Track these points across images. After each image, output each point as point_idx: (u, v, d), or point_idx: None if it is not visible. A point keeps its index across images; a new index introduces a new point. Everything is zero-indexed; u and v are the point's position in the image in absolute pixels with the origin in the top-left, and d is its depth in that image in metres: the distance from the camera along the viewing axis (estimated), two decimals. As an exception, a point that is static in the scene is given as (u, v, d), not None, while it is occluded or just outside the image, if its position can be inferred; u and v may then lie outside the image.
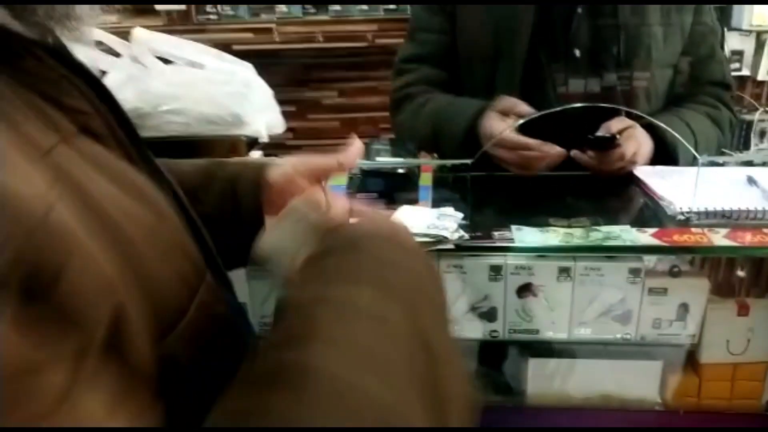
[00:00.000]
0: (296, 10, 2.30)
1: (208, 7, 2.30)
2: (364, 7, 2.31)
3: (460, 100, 1.26)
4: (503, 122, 1.12)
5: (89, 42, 0.46)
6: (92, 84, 0.44)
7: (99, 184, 0.37)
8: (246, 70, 1.03)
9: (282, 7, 2.29)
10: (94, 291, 0.33)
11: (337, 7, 2.31)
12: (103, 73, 0.95)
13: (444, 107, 1.25)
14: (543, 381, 1.00)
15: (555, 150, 1.09)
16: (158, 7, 2.23)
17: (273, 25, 2.24)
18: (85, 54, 0.47)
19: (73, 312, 0.31)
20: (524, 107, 1.12)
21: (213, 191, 0.63)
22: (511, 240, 0.91)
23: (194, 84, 0.97)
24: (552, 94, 1.25)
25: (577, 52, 1.23)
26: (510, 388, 1.04)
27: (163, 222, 0.42)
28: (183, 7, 2.24)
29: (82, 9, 0.41)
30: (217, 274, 0.51)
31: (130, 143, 0.45)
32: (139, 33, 0.97)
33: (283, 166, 0.63)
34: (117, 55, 1.01)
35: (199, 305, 0.43)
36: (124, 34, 1.04)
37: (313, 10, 2.31)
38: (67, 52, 0.43)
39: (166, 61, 1.01)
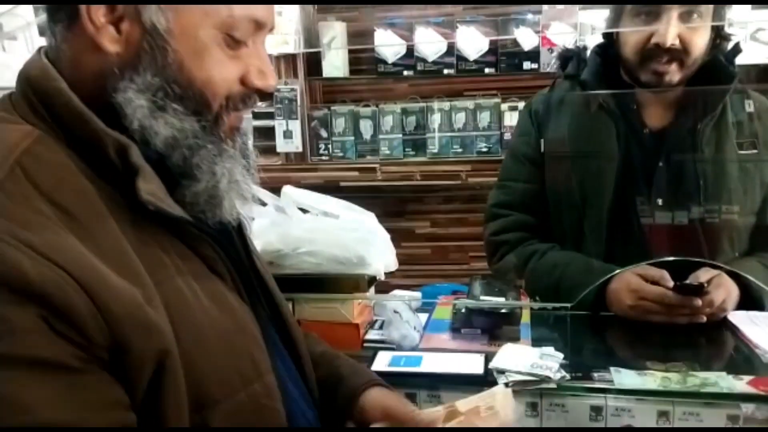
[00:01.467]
0: (398, 152, 2.58)
1: (321, 149, 2.61)
2: (459, 149, 2.54)
3: (581, 260, 1.35)
4: (645, 283, 1.20)
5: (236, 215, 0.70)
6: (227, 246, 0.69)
7: (200, 299, 0.61)
8: (370, 219, 1.21)
9: (385, 149, 2.57)
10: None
11: (435, 150, 2.56)
12: (252, 219, 1.15)
13: (566, 266, 1.34)
14: None
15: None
16: (279, 149, 2.56)
17: (377, 165, 2.51)
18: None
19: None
20: (668, 277, 1.19)
21: (325, 369, 0.87)
22: (611, 381, 0.98)
23: (328, 230, 1.15)
24: (639, 240, 1.34)
25: (660, 202, 1.34)
26: None
27: (240, 332, 0.64)
28: (299, 149, 2.56)
29: (230, 201, 0.67)
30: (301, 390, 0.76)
31: (242, 284, 0.69)
32: (287, 189, 1.18)
33: (377, 403, 0.83)
34: (264, 203, 1.22)
35: (250, 394, 0.63)
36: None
37: (412, 152, 2.58)
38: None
39: (304, 211, 1.21)
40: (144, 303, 0.54)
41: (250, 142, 0.78)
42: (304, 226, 1.17)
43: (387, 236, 1.21)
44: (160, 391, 0.55)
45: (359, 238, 1.14)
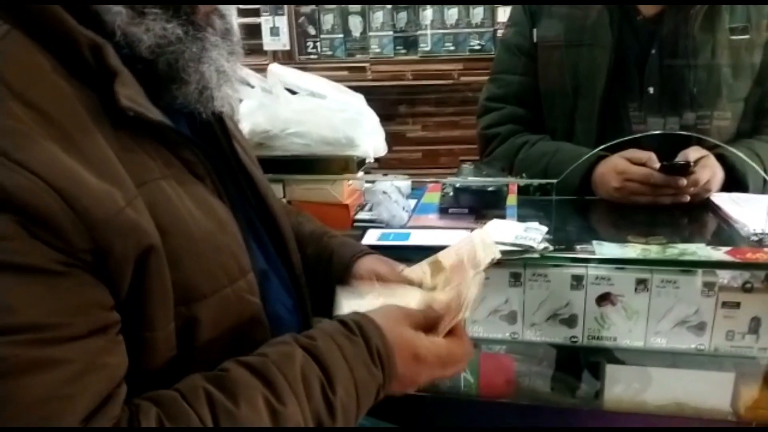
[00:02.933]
0: (388, 50, 2.51)
1: (310, 48, 2.54)
2: (451, 47, 2.48)
3: (570, 147, 1.36)
4: (632, 165, 1.21)
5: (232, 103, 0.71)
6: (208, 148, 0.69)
7: (185, 202, 0.62)
8: (359, 101, 1.20)
9: (375, 48, 2.50)
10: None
11: (426, 48, 2.50)
12: (240, 101, 1.14)
13: (554, 153, 1.36)
14: (619, 387, 1.08)
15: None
16: (266, 47, 2.49)
17: (367, 64, 2.45)
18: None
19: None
20: (655, 158, 1.20)
21: (314, 246, 0.91)
22: (593, 252, 1.01)
23: (316, 111, 1.14)
24: (628, 130, 1.35)
25: (651, 90, 1.33)
26: (587, 393, 1.12)
27: (222, 232, 0.65)
28: (287, 47, 2.49)
29: (222, 91, 0.67)
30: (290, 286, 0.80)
31: (222, 186, 0.69)
32: (273, 68, 1.16)
33: (369, 267, 0.87)
34: (251, 85, 1.20)
35: (235, 290, 0.65)
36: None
37: (403, 50, 2.52)
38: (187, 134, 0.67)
39: (292, 92, 1.20)
40: (125, 204, 0.54)
41: (234, 19, 0.76)
42: (292, 107, 1.15)
43: (376, 118, 1.21)
44: (144, 288, 0.56)
45: (348, 119, 1.13)
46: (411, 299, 0.76)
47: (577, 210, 1.26)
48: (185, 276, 0.60)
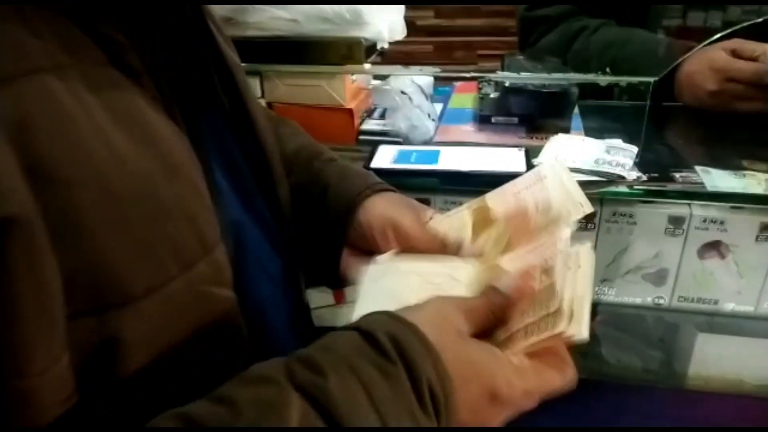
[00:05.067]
0: None
1: None
2: None
3: (645, 36, 1.04)
4: (736, 60, 0.90)
5: None
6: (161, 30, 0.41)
7: (96, 121, 0.33)
8: (368, -42, 0.84)
9: None
10: None
11: None
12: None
13: (624, 44, 1.03)
14: (711, 361, 0.82)
15: None
16: None
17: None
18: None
19: None
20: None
21: (301, 174, 0.60)
22: (701, 185, 0.71)
23: (307, -29, 0.79)
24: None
25: None
26: (666, 369, 0.86)
27: (170, 178, 0.37)
28: None
29: None
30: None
31: (173, 89, 0.39)
32: None
33: (382, 213, 0.56)
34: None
35: (191, 281, 0.37)
36: None
37: None
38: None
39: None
40: None
41: None
42: (273, -34, 0.80)
43: (391, -14, 0.86)
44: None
45: (352, -17, 0.79)
46: (461, 276, 0.47)
47: (659, 123, 0.94)
48: (95, 263, 0.33)
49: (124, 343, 0.34)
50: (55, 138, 0.31)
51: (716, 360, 0.82)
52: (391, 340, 0.36)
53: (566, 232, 0.46)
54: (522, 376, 0.39)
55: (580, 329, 0.39)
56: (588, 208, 0.50)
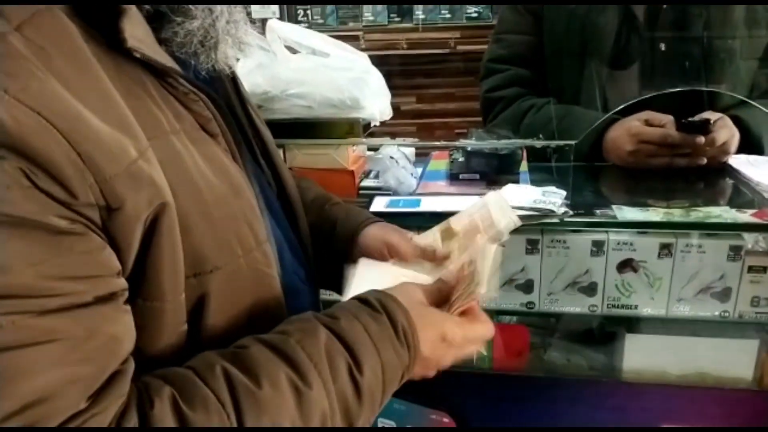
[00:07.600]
0: (382, 18, 2.43)
1: (300, 16, 2.45)
2: (447, 14, 2.40)
3: (580, 111, 1.30)
4: (646, 126, 1.16)
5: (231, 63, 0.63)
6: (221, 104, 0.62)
7: (196, 161, 0.55)
8: (363, 59, 1.13)
9: (369, 15, 2.42)
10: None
11: (422, 15, 2.42)
12: (237, 60, 1.06)
13: (563, 117, 1.29)
14: (639, 357, 1.04)
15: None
16: (254, 15, 2.39)
17: (360, 33, 2.37)
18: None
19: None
20: (672, 120, 1.15)
21: (317, 214, 0.84)
22: (614, 217, 0.96)
23: (318, 70, 1.07)
24: (637, 92, 1.28)
25: (662, 47, 1.28)
26: (605, 364, 1.08)
27: (236, 197, 0.58)
28: (276, 15, 2.39)
29: (226, 45, 0.59)
30: (299, 258, 0.74)
31: (236, 146, 0.62)
32: (272, 24, 1.08)
33: (378, 235, 0.80)
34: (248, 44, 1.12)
35: (250, 261, 0.58)
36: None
37: (398, 18, 2.43)
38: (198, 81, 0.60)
39: (292, 51, 1.12)
40: (137, 156, 0.47)
41: None
42: (293, 66, 1.08)
43: (382, 79, 1.14)
44: (154, 252, 0.50)
45: (353, 79, 1.07)
46: (422, 274, 0.71)
47: (591, 176, 1.20)
48: (195, 244, 0.54)
49: (209, 297, 0.55)
50: (177, 171, 0.52)
51: (643, 356, 1.04)
52: (377, 301, 0.60)
53: (483, 239, 0.71)
54: (460, 325, 0.63)
55: (485, 290, 0.63)
56: (518, 222, 0.75)
